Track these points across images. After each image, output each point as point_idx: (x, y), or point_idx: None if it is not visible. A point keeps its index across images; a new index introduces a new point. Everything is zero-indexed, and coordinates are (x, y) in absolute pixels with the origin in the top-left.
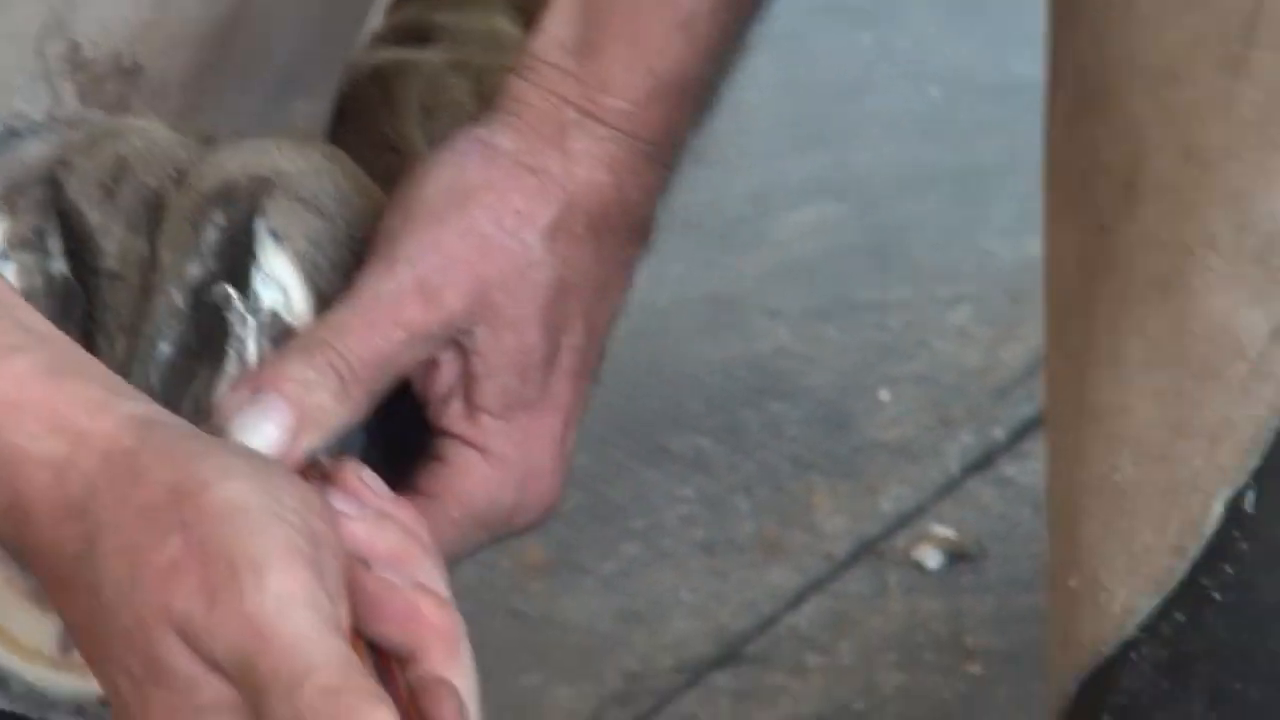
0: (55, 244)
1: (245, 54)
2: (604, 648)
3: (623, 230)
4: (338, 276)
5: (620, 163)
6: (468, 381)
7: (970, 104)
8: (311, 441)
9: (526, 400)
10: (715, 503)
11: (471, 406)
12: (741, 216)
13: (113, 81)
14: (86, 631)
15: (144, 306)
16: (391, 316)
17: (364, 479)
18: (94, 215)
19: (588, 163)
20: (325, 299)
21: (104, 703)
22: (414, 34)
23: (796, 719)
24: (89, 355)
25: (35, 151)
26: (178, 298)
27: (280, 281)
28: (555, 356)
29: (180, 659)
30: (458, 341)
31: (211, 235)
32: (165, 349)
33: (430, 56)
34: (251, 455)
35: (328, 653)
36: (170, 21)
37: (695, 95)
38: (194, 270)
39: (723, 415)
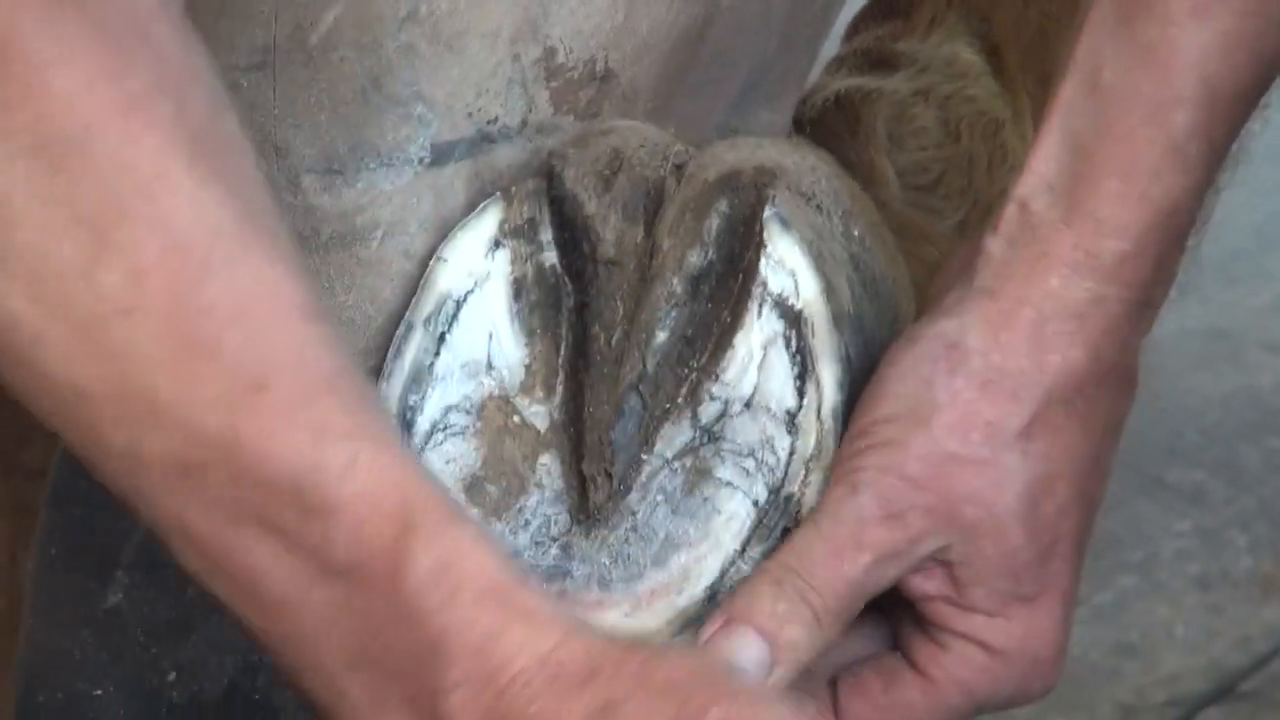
0: (547, 234)
1: (710, 61)
2: (1097, 680)
3: (1106, 397)
4: (836, 269)
5: (1097, 332)
6: (955, 588)
7: None
8: (786, 674)
9: (1023, 596)
10: (1211, 537)
11: (963, 609)
12: (1242, 250)
13: (586, 88)
14: None
15: (641, 294)
16: (855, 541)
17: None
18: (591, 204)
19: (1060, 347)
20: (831, 288)
21: None
22: (876, 60)
23: None
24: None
25: (508, 158)
26: (677, 285)
27: (789, 267)
28: (1051, 548)
29: None
30: (934, 556)
31: (715, 223)
32: (662, 336)
33: (895, 84)
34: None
35: None
36: (641, 26)
37: (1186, 225)
38: (695, 258)
39: (1221, 450)
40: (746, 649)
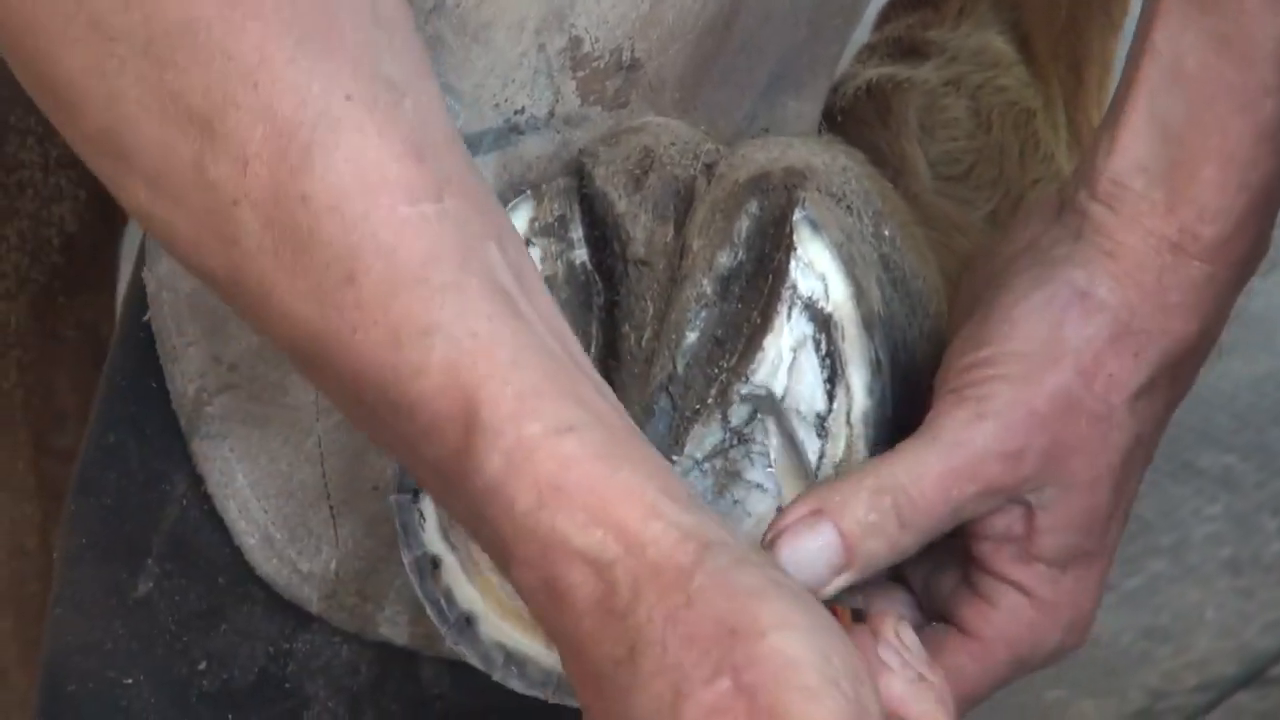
0: (577, 232)
1: (738, 50)
2: (1128, 664)
3: (1197, 369)
4: (866, 271)
5: (1210, 306)
6: (1029, 533)
7: None
8: (848, 582)
9: (1086, 552)
10: (1242, 521)
11: (1028, 556)
12: (1273, 234)
13: (612, 78)
14: None
15: (671, 294)
16: (971, 470)
17: (904, 638)
18: (621, 203)
19: (1183, 316)
20: (861, 291)
21: None
22: (907, 49)
23: None
24: (645, 442)
25: (535, 149)
26: (707, 285)
27: (818, 270)
28: (1117, 509)
29: None
30: (1023, 496)
31: (745, 224)
32: (692, 337)
33: (926, 74)
34: (805, 602)
35: None
36: (667, 15)
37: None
38: (724, 259)
39: (1252, 433)
40: (823, 549)
